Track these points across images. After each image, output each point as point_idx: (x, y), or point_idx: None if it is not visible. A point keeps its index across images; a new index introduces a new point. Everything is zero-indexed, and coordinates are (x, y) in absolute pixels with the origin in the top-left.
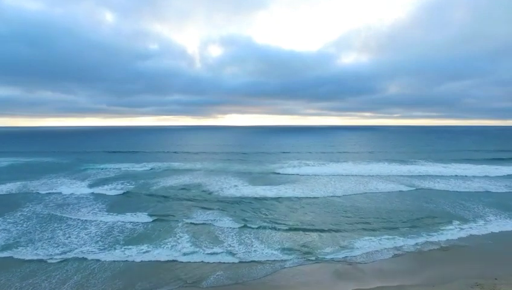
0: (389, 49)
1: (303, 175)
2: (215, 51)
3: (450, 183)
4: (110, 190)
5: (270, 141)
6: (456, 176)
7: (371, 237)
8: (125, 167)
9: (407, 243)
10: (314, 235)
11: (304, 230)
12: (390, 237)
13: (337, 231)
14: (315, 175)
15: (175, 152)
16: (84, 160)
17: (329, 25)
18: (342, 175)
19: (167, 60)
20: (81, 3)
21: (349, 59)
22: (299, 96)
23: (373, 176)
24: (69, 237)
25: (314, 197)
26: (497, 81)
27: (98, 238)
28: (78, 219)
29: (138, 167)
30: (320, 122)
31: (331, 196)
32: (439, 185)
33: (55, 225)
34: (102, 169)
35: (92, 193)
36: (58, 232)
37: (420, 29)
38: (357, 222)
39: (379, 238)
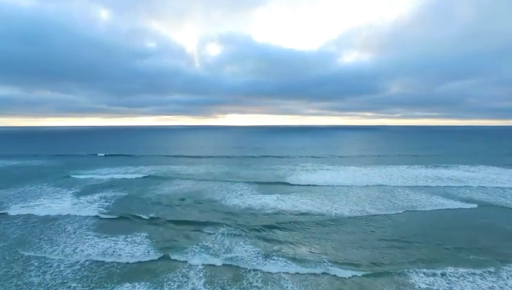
0: (390, 47)
1: (320, 185)
2: (214, 50)
3: (489, 192)
4: (99, 202)
5: (274, 142)
6: (496, 187)
7: (434, 274)
8: (120, 173)
9: (487, 284)
10: (362, 273)
11: (347, 267)
12: (462, 271)
13: (389, 268)
14: (333, 185)
15: (175, 155)
16: (75, 164)
17: (329, 23)
18: (366, 186)
19: (166, 58)
20: None
21: (350, 58)
22: (299, 95)
23: (401, 186)
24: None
25: (340, 217)
26: (500, 81)
27: (82, 275)
28: (44, 256)
29: (134, 174)
30: (321, 122)
31: (362, 216)
32: (480, 196)
33: (26, 254)
34: (93, 176)
35: (75, 210)
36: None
37: (422, 27)
38: (411, 254)
39: (442, 271)
